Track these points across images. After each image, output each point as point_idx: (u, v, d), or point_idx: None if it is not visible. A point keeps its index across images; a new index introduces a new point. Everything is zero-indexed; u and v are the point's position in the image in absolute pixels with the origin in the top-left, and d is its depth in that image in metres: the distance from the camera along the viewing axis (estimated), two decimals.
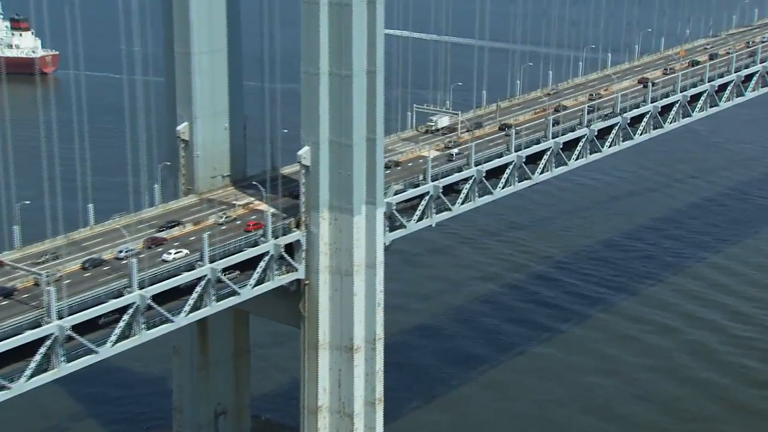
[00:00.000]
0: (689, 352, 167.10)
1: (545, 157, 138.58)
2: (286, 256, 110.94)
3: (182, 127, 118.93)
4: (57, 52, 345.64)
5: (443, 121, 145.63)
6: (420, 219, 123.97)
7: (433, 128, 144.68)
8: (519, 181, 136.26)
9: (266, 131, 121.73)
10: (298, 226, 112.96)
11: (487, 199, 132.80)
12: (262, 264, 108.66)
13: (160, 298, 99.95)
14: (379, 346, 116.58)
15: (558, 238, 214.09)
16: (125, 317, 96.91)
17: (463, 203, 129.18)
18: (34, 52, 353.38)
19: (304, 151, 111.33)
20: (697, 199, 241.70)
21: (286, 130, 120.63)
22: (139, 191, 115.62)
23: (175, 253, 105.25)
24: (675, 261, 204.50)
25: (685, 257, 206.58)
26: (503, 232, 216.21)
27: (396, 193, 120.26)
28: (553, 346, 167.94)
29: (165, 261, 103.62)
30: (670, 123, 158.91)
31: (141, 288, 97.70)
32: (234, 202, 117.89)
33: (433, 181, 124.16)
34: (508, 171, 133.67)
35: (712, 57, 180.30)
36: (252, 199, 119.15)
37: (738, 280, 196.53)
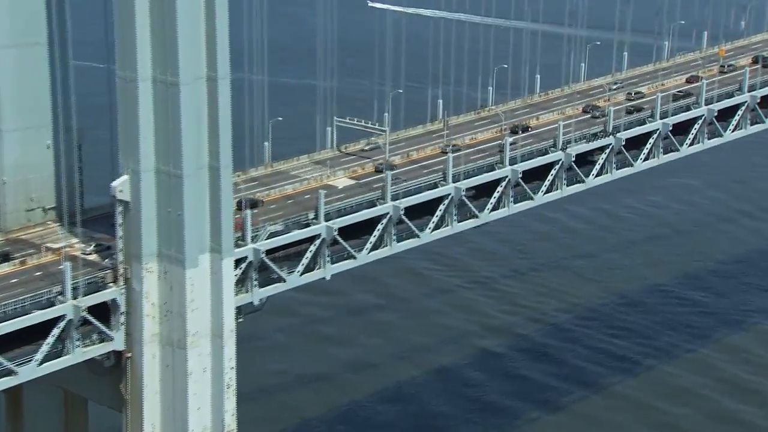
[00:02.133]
0: None
1: (499, 188, 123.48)
2: (93, 320, 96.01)
3: None
4: None
5: None
6: (308, 270, 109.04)
7: None
8: (459, 221, 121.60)
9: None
10: (115, 280, 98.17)
11: (410, 243, 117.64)
12: (56, 331, 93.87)
13: None
14: None
15: (558, 289, 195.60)
16: None
17: (373, 250, 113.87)
18: None
19: (121, 182, 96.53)
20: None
21: None
22: None
23: None
24: (707, 330, 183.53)
25: (730, 325, 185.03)
26: (483, 277, 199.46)
27: (271, 236, 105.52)
28: None
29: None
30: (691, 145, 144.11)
31: None
32: (47, 244, 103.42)
33: (327, 220, 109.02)
34: (443, 206, 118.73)
35: None
36: (75, 240, 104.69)
37: None
